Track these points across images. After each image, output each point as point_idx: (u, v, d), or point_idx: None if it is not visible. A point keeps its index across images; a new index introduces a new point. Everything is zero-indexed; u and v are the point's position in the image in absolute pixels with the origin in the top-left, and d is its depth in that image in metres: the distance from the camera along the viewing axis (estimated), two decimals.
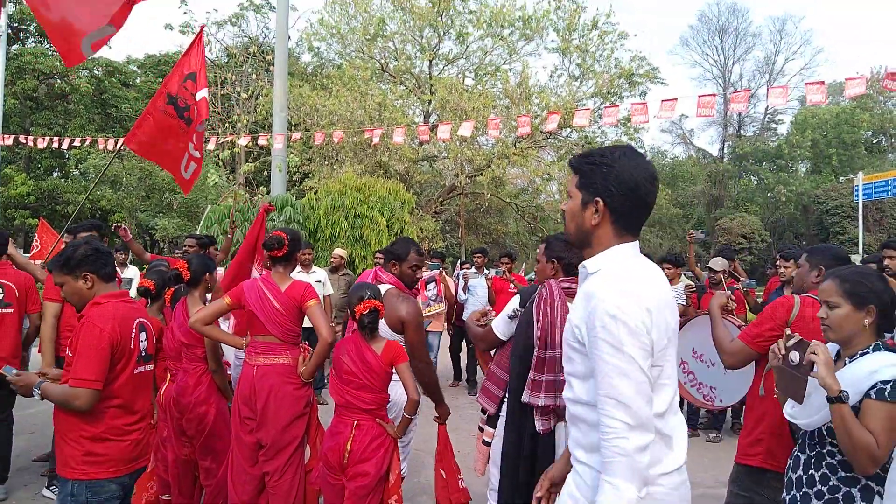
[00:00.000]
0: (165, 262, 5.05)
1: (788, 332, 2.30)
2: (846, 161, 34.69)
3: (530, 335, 2.94)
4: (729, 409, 6.48)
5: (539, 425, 2.87)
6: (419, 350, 3.59)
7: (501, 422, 3.06)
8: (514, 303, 3.12)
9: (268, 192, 15.15)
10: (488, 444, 3.12)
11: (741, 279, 7.02)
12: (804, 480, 2.31)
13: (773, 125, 40.35)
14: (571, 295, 2.98)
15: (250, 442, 3.60)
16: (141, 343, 2.92)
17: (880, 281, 2.33)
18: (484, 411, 3.18)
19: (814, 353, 2.12)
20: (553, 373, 2.84)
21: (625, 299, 1.72)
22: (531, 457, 2.88)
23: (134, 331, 2.88)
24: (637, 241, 1.92)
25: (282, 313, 3.56)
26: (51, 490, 4.54)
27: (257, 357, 3.60)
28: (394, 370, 3.35)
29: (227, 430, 3.89)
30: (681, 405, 6.88)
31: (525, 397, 2.87)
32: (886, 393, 2.10)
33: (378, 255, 9.60)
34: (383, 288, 3.62)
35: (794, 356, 2.19)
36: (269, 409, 3.52)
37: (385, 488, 3.32)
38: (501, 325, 3.15)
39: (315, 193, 15.31)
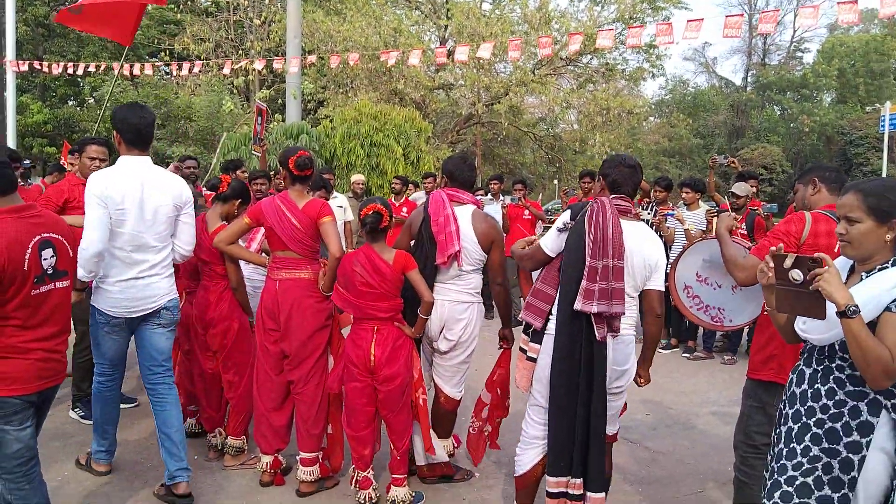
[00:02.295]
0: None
1: (774, 249, 2.15)
2: (873, 91, 33.67)
3: (582, 246, 2.98)
4: (745, 332, 6.53)
5: (597, 332, 2.95)
6: (501, 271, 3.69)
7: (547, 338, 3.09)
8: (565, 217, 3.12)
9: (283, 120, 15.01)
10: (533, 360, 3.14)
11: (762, 204, 6.93)
12: (809, 394, 2.25)
13: (799, 53, 39.12)
14: (622, 212, 3.05)
15: (275, 351, 3.71)
16: (44, 261, 2.66)
17: None
18: (528, 328, 3.19)
19: (819, 271, 2.01)
20: (606, 280, 2.91)
21: (96, 181, 3.29)
22: (588, 364, 2.97)
23: (30, 250, 2.60)
24: (144, 155, 3.47)
25: (300, 230, 3.61)
26: (75, 411, 4.67)
27: (279, 272, 3.67)
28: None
29: (248, 345, 3.99)
30: (692, 328, 7.02)
31: (577, 305, 2.92)
32: None
33: (396, 180, 9.62)
34: (469, 209, 3.66)
35: (797, 274, 2.06)
36: (292, 321, 3.61)
37: (411, 385, 3.51)
38: (550, 242, 3.14)
39: (330, 121, 15.18)
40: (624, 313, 2.96)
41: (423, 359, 3.73)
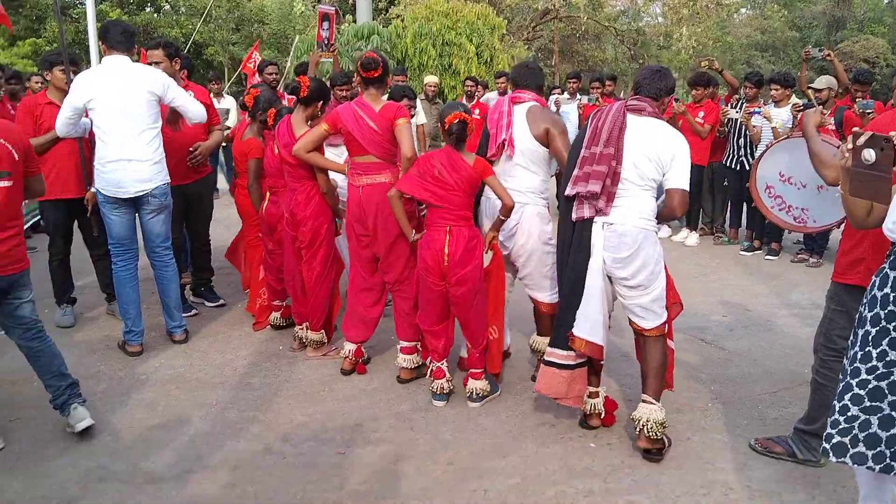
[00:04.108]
0: (269, 89, 5.10)
1: (857, 129, 2.05)
2: None
3: (581, 139, 3.15)
4: (840, 230, 6.24)
5: (574, 213, 3.12)
6: (565, 156, 3.66)
7: None
8: None
9: (354, 21, 14.80)
10: None
11: (857, 100, 6.44)
12: (891, 299, 2.16)
13: None
14: (633, 110, 3.09)
15: (367, 255, 3.85)
16: None
17: None
18: None
19: None
20: (590, 166, 3.04)
21: (77, 80, 3.96)
22: (568, 244, 3.19)
23: None
24: (117, 54, 3.98)
25: (378, 133, 3.63)
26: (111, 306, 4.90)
27: (360, 178, 3.72)
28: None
29: (333, 247, 4.12)
30: (776, 229, 6.76)
31: (567, 190, 3.13)
32: None
33: (468, 82, 9.41)
34: (527, 105, 3.64)
35: (869, 154, 1.98)
36: (378, 225, 3.70)
37: (484, 290, 3.55)
38: None
39: (402, 21, 14.87)
40: (598, 193, 2.99)
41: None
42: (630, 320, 3.20)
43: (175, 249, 4.45)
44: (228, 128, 9.07)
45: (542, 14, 21.11)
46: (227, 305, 5.11)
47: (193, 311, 4.87)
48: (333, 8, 8.61)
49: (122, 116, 3.93)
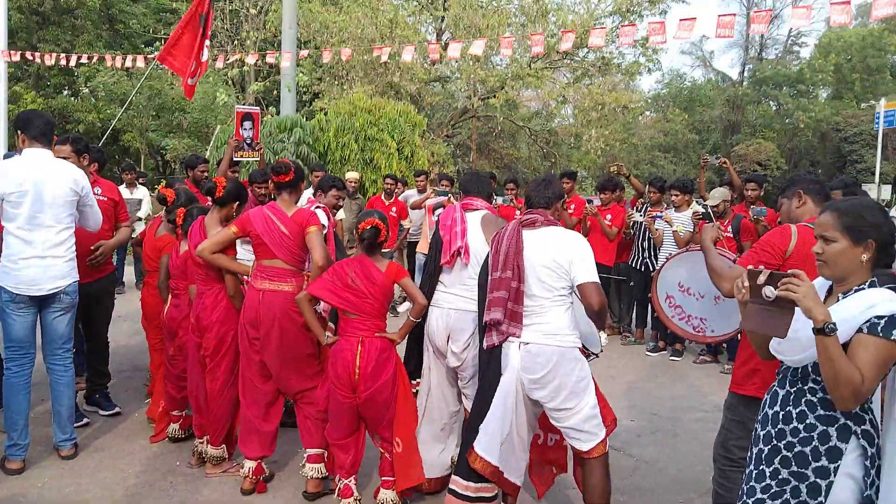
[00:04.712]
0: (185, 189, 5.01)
1: (751, 268, 2.14)
2: (869, 87, 33.54)
3: (487, 261, 3.24)
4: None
5: (485, 341, 3.16)
6: None
7: None
8: None
9: (277, 113, 14.94)
10: None
11: (751, 207, 6.89)
12: (781, 417, 2.25)
13: (797, 48, 38.90)
14: (527, 225, 3.19)
15: (259, 360, 3.72)
16: None
17: (880, 214, 2.19)
18: None
19: (793, 285, 1.99)
20: (497, 291, 3.09)
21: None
22: (481, 367, 3.25)
23: None
24: (39, 146, 3.87)
25: (289, 237, 3.62)
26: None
27: (262, 282, 3.66)
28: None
29: (237, 356, 3.94)
30: (675, 338, 7.00)
31: (486, 317, 3.14)
32: (880, 328, 2.01)
33: (388, 179, 9.55)
34: (480, 213, 3.70)
35: (769, 291, 2.05)
36: (272, 335, 3.61)
37: (395, 402, 3.44)
38: None
39: (325, 115, 15.12)
40: (500, 320, 3.05)
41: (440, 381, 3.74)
42: (570, 444, 3.15)
43: None
44: (140, 219, 8.84)
45: (461, 112, 21.95)
46: (123, 414, 4.80)
47: (85, 420, 4.55)
48: (257, 108, 8.61)
49: (46, 212, 3.82)
